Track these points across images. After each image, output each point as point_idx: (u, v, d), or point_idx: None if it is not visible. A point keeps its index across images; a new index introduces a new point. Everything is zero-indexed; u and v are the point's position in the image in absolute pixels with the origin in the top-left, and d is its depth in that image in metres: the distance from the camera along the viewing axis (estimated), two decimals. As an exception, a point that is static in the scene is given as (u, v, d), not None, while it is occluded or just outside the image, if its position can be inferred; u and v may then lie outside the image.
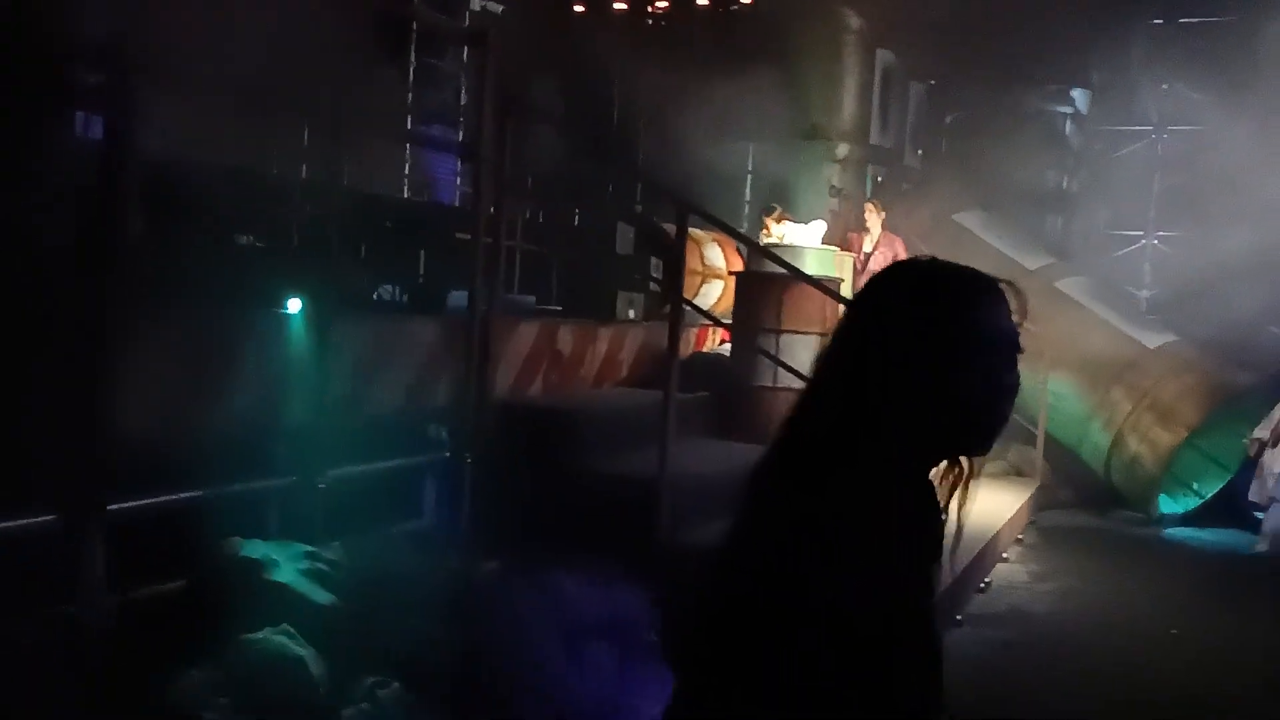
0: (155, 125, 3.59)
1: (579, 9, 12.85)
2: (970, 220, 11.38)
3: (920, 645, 1.36)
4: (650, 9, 13.27)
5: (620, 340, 6.94)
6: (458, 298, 5.72)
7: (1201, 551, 8.76)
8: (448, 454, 5.27)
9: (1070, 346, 9.72)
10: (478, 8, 11.25)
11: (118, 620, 3.34)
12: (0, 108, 3.35)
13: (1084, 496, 10.09)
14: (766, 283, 6.76)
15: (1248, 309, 9.95)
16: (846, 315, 1.43)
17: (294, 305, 4.20)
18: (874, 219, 9.96)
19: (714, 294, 8.50)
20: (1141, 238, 14.09)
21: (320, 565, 3.82)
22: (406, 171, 8.36)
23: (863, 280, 6.89)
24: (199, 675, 3.30)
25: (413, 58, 8.13)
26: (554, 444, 5.27)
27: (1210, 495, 9.77)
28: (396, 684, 3.48)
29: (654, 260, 7.40)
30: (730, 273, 8.34)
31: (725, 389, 6.73)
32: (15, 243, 3.27)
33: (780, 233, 9.30)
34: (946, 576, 5.40)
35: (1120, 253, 14.05)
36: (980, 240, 10.88)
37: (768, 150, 11.72)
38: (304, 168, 6.05)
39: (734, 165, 11.85)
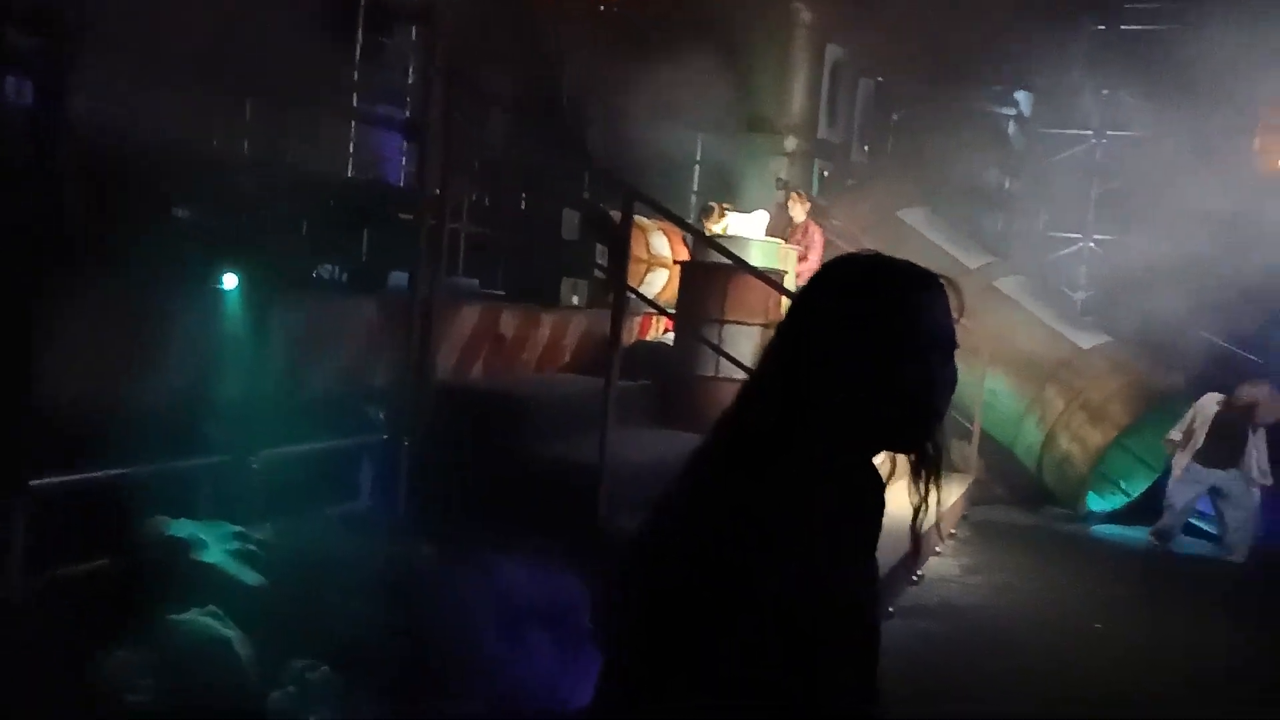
0: (91, 93, 3.49)
1: (531, -8, 12.74)
2: (914, 217, 11.49)
3: (855, 636, 1.36)
4: (603, -5, 13.19)
5: (564, 326, 6.91)
6: (399, 278, 5.65)
7: (1125, 548, 8.98)
8: (385, 436, 5.22)
9: (1007, 345, 9.89)
10: (428, -14, 11.09)
11: (40, 599, 3.26)
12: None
13: (1017, 493, 10.26)
14: (711, 273, 6.78)
15: (1177, 312, 10.19)
16: (790, 307, 1.43)
17: (230, 281, 4.13)
18: (798, 208, 9.95)
19: (659, 283, 8.49)
20: (1079, 240, 14.37)
21: (250, 546, 3.77)
22: (351, 150, 8.21)
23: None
24: (124, 656, 3.24)
25: (360, 34, 7.98)
26: (495, 428, 5.24)
27: (1138, 494, 10.01)
28: (326, 667, 3.44)
29: (599, 247, 7.37)
30: (675, 262, 8.34)
31: (668, 378, 6.74)
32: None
33: (723, 224, 9.31)
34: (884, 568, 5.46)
35: (1058, 254, 14.33)
36: (923, 237, 10.99)
37: (716, 141, 11.74)
38: (246, 143, 5.93)
39: (682, 155, 11.84)
